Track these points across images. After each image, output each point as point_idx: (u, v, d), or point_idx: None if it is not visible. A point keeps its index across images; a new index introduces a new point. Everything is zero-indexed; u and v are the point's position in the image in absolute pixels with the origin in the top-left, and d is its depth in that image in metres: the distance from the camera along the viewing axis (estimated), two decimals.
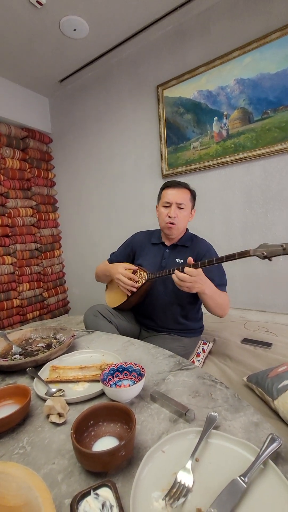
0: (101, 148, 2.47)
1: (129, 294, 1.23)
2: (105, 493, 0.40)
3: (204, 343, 1.33)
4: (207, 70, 1.80)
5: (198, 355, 1.25)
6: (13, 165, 2.43)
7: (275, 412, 0.86)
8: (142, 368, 0.67)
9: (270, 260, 0.86)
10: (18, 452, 0.51)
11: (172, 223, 1.21)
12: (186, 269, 0.97)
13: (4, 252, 2.39)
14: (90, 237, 2.69)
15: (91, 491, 0.40)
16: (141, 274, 1.22)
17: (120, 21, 1.86)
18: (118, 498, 0.39)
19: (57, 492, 0.43)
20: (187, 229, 1.35)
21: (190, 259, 1.01)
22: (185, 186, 1.26)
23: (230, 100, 1.74)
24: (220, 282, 1.17)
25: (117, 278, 1.23)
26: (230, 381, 1.08)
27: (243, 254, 0.90)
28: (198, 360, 1.22)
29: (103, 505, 0.39)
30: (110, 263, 1.41)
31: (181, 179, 2.01)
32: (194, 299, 1.22)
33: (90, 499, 0.39)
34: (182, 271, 0.98)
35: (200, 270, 0.98)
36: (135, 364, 0.69)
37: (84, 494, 0.40)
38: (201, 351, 1.27)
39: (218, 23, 1.75)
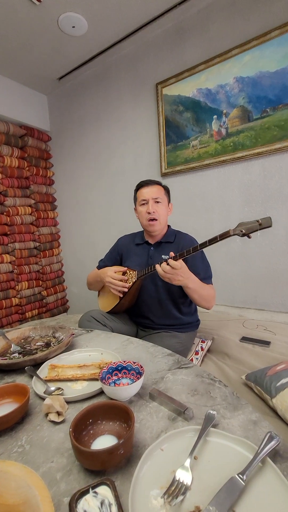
0: (100, 147, 2.46)
1: (121, 296, 1.25)
2: (104, 491, 0.40)
3: (203, 341, 1.33)
4: (206, 68, 1.79)
5: (196, 353, 1.25)
6: (11, 163, 2.42)
7: (274, 410, 0.87)
8: (141, 367, 0.67)
9: (249, 237, 0.91)
10: (17, 451, 0.51)
11: (153, 219, 1.25)
12: (169, 261, 1.02)
13: (2, 251, 2.38)
14: (89, 235, 2.69)
15: (90, 489, 0.40)
16: (130, 273, 1.25)
17: (119, 19, 1.85)
18: (117, 496, 0.39)
19: (56, 491, 0.43)
20: (169, 226, 1.38)
21: (171, 253, 1.06)
22: (157, 183, 1.31)
23: (230, 99, 1.74)
24: (205, 275, 1.21)
25: (107, 282, 1.25)
26: (229, 379, 1.09)
27: (224, 235, 0.95)
28: (197, 358, 1.23)
29: (102, 503, 0.39)
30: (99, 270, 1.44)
31: (180, 177, 2.02)
32: (185, 292, 1.24)
33: (89, 497, 0.39)
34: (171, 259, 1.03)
35: (183, 263, 1.03)
36: (134, 363, 0.69)
37: (83, 493, 0.40)
38: (200, 349, 1.28)
39: (217, 21, 1.74)
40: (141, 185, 1.31)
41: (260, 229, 0.89)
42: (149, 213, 1.24)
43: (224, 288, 1.91)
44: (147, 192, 1.26)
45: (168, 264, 1.01)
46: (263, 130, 1.64)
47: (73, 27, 1.87)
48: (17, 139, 2.49)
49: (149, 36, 2.03)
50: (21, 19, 1.80)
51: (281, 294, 1.72)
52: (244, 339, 1.40)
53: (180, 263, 1.01)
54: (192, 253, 1.01)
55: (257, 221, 0.89)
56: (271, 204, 1.70)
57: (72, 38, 1.99)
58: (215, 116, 1.80)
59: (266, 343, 1.33)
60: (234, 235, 0.92)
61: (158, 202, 1.26)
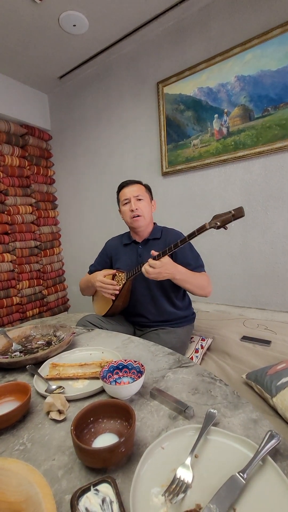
0: (100, 146, 2.46)
1: (114, 298, 1.25)
2: (105, 489, 0.40)
3: (203, 339, 1.33)
4: (207, 67, 1.79)
5: (196, 351, 1.25)
6: (12, 162, 2.42)
7: (274, 409, 0.87)
8: (142, 366, 0.67)
9: (225, 228, 0.93)
10: (18, 449, 0.52)
11: (136, 216, 1.26)
12: (150, 261, 1.05)
13: (3, 250, 2.39)
14: (90, 234, 2.69)
15: (91, 487, 0.40)
16: (120, 275, 1.26)
17: (120, 17, 1.85)
18: (118, 494, 0.39)
19: (58, 488, 0.43)
20: (154, 223, 1.39)
21: (153, 252, 1.08)
22: (137, 182, 1.35)
23: (231, 97, 1.73)
24: (196, 264, 1.23)
25: (98, 286, 1.26)
26: (230, 378, 1.09)
27: (201, 229, 0.97)
28: (197, 356, 1.23)
29: (103, 500, 0.39)
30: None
31: (181, 176, 2.02)
32: (176, 285, 1.24)
33: (90, 495, 0.40)
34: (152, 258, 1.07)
35: (164, 260, 1.05)
36: (135, 362, 0.69)
37: (84, 490, 0.40)
38: (200, 347, 1.28)
39: (218, 20, 1.73)
40: (122, 186, 1.35)
41: (234, 220, 0.91)
42: (132, 210, 1.26)
43: (224, 287, 1.91)
44: (129, 191, 1.30)
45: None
46: (264, 129, 1.64)
47: (74, 25, 1.87)
48: (17, 138, 2.49)
49: (150, 35, 2.02)
50: (22, 18, 1.80)
51: (282, 293, 1.72)
52: (245, 338, 1.40)
53: (160, 261, 1.04)
54: (174, 249, 1.03)
55: (230, 212, 0.91)
56: (272, 203, 1.70)
57: (73, 36, 1.99)
58: (216, 115, 1.80)
59: (267, 342, 1.33)
60: (210, 228, 0.95)
61: (140, 199, 1.29)
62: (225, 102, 1.76)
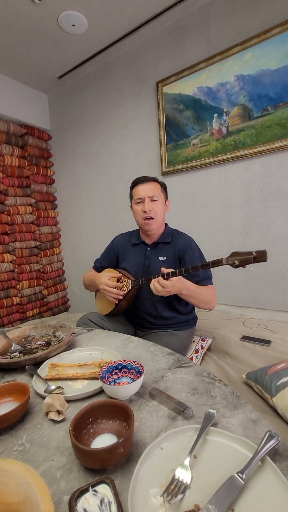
0: (100, 145, 2.46)
1: (117, 302, 1.24)
2: (104, 489, 0.40)
3: (203, 340, 1.33)
4: (207, 66, 1.79)
5: (196, 351, 1.25)
6: (12, 162, 2.42)
7: (274, 409, 0.87)
8: (141, 366, 0.67)
9: (244, 267, 0.88)
10: (17, 449, 0.52)
11: (149, 218, 1.21)
12: (161, 281, 1.01)
13: (3, 250, 2.39)
14: (90, 234, 2.69)
15: (90, 487, 0.40)
16: (125, 281, 1.23)
17: (119, 17, 1.85)
18: (116, 495, 0.39)
19: (56, 489, 0.43)
20: (166, 224, 1.35)
21: (163, 270, 1.03)
22: (153, 179, 1.26)
23: (230, 97, 1.73)
24: (204, 276, 1.19)
25: (102, 289, 1.23)
26: (229, 378, 1.09)
27: (217, 263, 0.93)
28: (197, 357, 1.23)
29: (102, 501, 0.39)
30: (95, 270, 1.43)
31: (181, 176, 2.02)
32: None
33: (88, 495, 0.40)
34: (162, 277, 1.02)
35: (173, 279, 1.01)
36: (134, 362, 0.69)
37: (83, 491, 0.40)
38: (200, 347, 1.28)
39: (218, 19, 1.73)
40: (136, 182, 1.27)
41: (254, 262, 0.85)
42: (145, 211, 1.21)
43: (224, 287, 1.91)
44: (143, 190, 1.23)
45: (166, 277, 1.01)
46: (264, 129, 1.63)
47: (73, 25, 1.87)
48: (17, 138, 2.49)
49: (150, 34, 2.02)
50: (21, 18, 1.80)
51: (282, 293, 1.72)
52: (245, 338, 1.40)
53: (170, 281, 1.00)
54: (185, 273, 1.00)
55: (252, 253, 0.85)
56: (272, 202, 1.69)
57: (72, 36, 1.99)
58: (215, 115, 1.80)
59: (267, 342, 1.33)
60: (226, 264, 0.90)
61: (154, 200, 1.23)
62: (225, 101, 1.75)
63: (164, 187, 1.30)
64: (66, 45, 2.08)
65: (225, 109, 1.76)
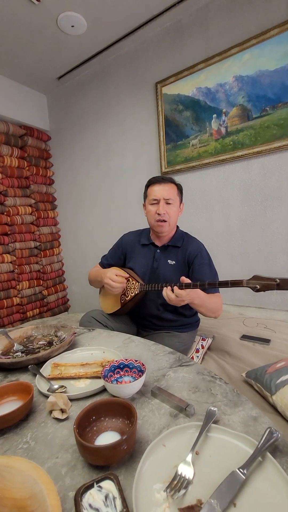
0: (99, 146, 2.46)
1: (122, 301, 1.22)
2: (108, 485, 0.41)
3: (203, 339, 1.34)
4: (206, 67, 1.79)
5: (197, 351, 1.26)
6: (11, 163, 2.43)
7: (273, 407, 0.88)
8: (143, 365, 0.68)
9: (264, 291, 0.84)
10: (22, 447, 0.52)
11: (162, 220, 1.19)
12: (176, 290, 0.97)
13: (3, 251, 2.39)
14: (89, 234, 2.70)
15: (95, 483, 0.41)
16: (133, 284, 1.21)
17: (118, 18, 1.85)
18: (120, 490, 0.40)
19: (61, 485, 0.44)
20: (177, 226, 1.33)
21: (183, 279, 0.99)
22: (170, 180, 1.23)
23: (229, 97, 1.74)
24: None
25: (105, 283, 1.20)
26: (229, 377, 1.10)
27: (236, 284, 0.88)
28: (197, 356, 1.24)
29: (106, 497, 0.40)
30: (101, 267, 1.41)
31: (180, 176, 2.03)
32: None
33: (93, 491, 0.40)
34: (178, 286, 0.98)
35: (187, 291, 0.98)
36: (136, 361, 0.70)
37: (88, 487, 0.41)
38: (200, 347, 1.29)
39: (216, 20, 1.74)
40: (153, 182, 1.23)
41: (277, 289, 0.80)
42: (159, 214, 1.18)
43: None
44: (159, 191, 1.19)
45: (180, 286, 0.98)
46: (262, 129, 1.64)
47: (72, 26, 1.87)
48: (16, 138, 2.49)
49: (148, 35, 2.02)
50: (20, 19, 1.80)
51: (281, 292, 1.73)
52: (244, 337, 1.41)
53: (185, 291, 0.97)
54: (200, 287, 0.96)
55: (276, 280, 0.79)
56: (271, 202, 1.70)
57: (71, 37, 1.99)
58: (214, 115, 1.81)
59: (266, 341, 1.34)
60: (246, 287, 0.86)
61: (169, 203, 1.19)
62: (224, 102, 1.76)
63: (180, 189, 1.26)
64: (65, 46, 2.08)
65: (224, 110, 1.77)
